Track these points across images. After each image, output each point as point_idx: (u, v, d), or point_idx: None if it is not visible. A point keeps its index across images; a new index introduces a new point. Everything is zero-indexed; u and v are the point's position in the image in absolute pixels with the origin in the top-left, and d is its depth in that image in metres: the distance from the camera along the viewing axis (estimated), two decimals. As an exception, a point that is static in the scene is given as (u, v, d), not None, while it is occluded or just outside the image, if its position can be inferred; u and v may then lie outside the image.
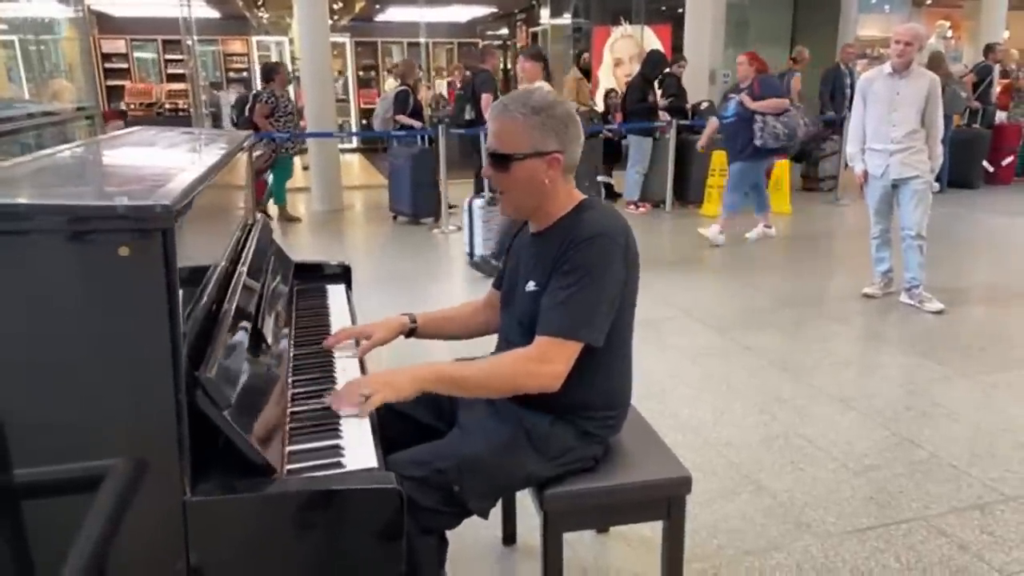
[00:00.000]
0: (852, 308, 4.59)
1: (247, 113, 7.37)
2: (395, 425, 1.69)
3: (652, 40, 10.26)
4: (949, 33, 14.27)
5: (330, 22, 10.31)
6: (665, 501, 1.72)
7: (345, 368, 1.70)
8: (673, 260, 6.09)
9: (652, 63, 7.67)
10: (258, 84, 12.78)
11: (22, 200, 1.03)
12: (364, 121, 13.70)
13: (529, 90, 1.61)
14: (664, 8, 11.29)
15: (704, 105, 8.15)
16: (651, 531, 1.84)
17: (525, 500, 1.84)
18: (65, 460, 1.02)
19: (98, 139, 1.91)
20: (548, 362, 1.55)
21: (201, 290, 1.28)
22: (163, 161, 1.52)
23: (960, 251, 6.02)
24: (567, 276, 1.55)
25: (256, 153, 7.06)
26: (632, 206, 7.69)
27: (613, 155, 8.33)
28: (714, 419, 3.11)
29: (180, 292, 0.99)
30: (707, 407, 3.23)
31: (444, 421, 1.76)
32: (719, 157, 7.37)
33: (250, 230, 2.02)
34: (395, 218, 7.51)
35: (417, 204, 7.24)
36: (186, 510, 1.04)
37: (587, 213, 1.63)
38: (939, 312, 4.38)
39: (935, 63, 7.90)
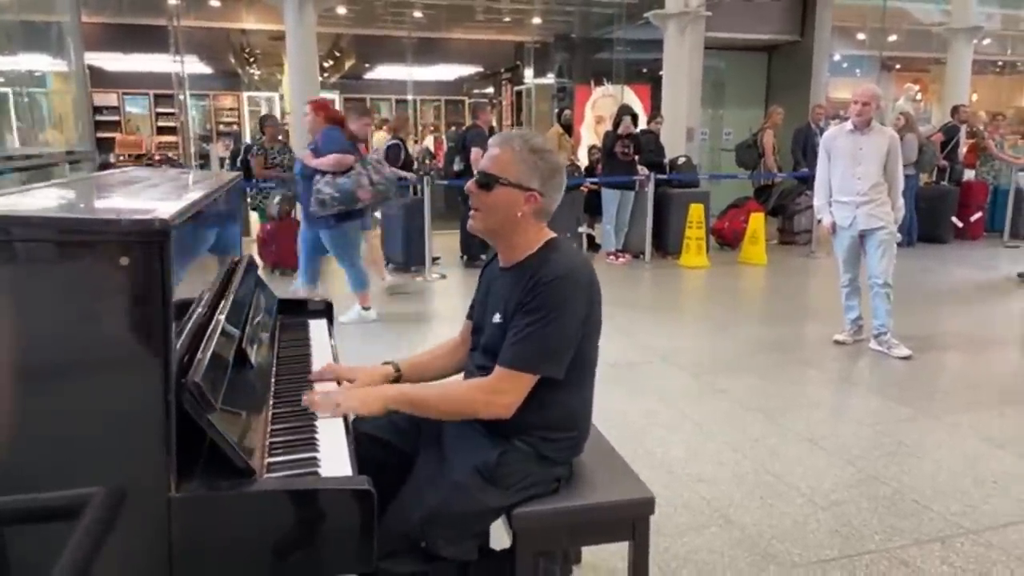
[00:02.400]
0: (823, 354, 4.71)
1: (239, 165, 7.59)
2: (373, 449, 1.78)
3: (632, 99, 10.62)
4: (918, 96, 14.86)
5: (320, 79, 10.63)
6: (630, 522, 1.79)
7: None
8: (651, 308, 6.22)
9: (618, 116, 7.90)
10: (248, 137, 13.05)
11: (35, 213, 1.13)
12: (352, 174, 13.91)
13: (533, 134, 1.77)
14: (645, 70, 11.73)
15: (681, 160, 8.43)
16: (622, 562, 1.90)
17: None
18: (58, 454, 1.10)
19: (109, 173, 2.03)
20: (502, 393, 1.66)
21: (192, 308, 1.38)
22: (161, 190, 1.63)
23: (929, 301, 6.20)
24: (530, 313, 1.65)
25: (275, 200, 7.24)
26: (611, 256, 7.86)
27: (595, 208, 8.54)
28: (687, 457, 3.19)
29: (173, 301, 1.09)
30: (680, 446, 3.30)
31: (413, 443, 1.85)
32: (696, 209, 7.61)
33: (237, 264, 2.12)
34: (387, 265, 7.63)
35: (409, 252, 7.38)
36: (170, 506, 1.11)
37: (553, 254, 1.74)
38: (906, 358, 4.51)
39: (909, 126, 8.26)
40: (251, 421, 1.41)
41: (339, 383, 1.88)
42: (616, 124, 7.71)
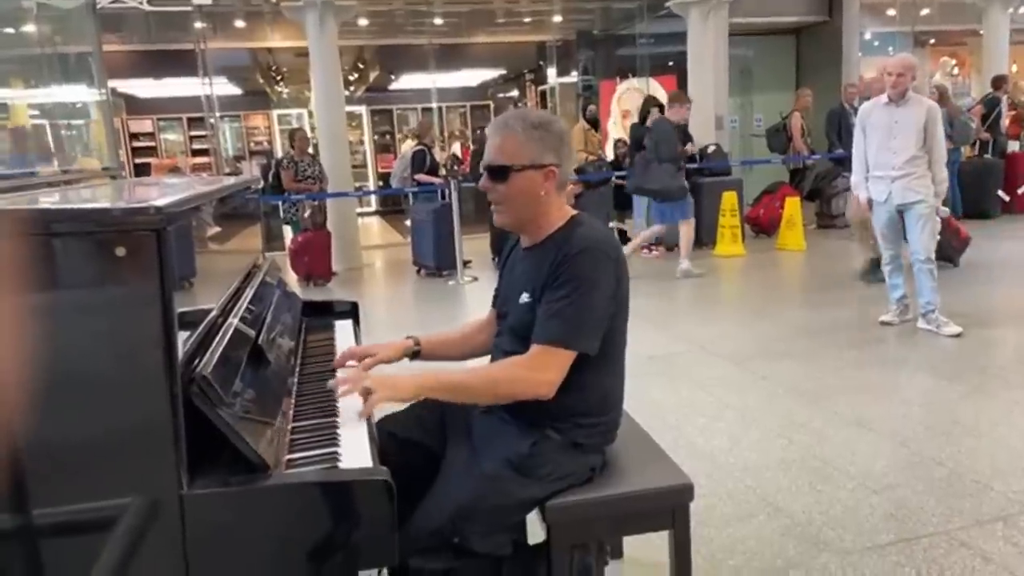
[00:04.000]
0: (869, 335, 4.55)
1: (271, 180, 7.67)
2: (399, 447, 1.74)
3: (658, 91, 10.48)
4: (955, 70, 14.41)
5: (347, 93, 10.70)
6: (669, 510, 1.72)
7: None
8: (688, 298, 6.10)
9: (644, 108, 7.82)
10: (279, 153, 13.24)
11: (27, 206, 1.11)
12: (381, 183, 14.06)
13: (527, 109, 1.71)
14: (671, 62, 11.56)
15: (711, 148, 8.28)
16: (667, 555, 1.82)
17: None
18: (62, 454, 1.07)
19: (123, 181, 2.03)
20: (542, 370, 1.59)
21: (209, 306, 1.35)
22: (169, 188, 1.61)
23: (978, 277, 5.96)
24: (561, 288, 1.60)
25: (306, 213, 7.36)
26: (645, 250, 7.75)
27: (626, 202, 8.44)
28: (730, 446, 3.09)
29: (174, 292, 1.05)
30: (723, 435, 3.20)
31: (441, 441, 1.80)
32: (729, 197, 7.46)
33: (258, 266, 2.10)
34: (419, 271, 7.65)
35: (440, 257, 7.36)
36: (183, 504, 1.08)
37: (579, 228, 1.69)
38: (957, 335, 4.33)
39: (941, 99, 7.99)
40: (269, 417, 1.38)
41: (360, 360, 1.84)
42: (643, 117, 7.60)
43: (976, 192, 8.58)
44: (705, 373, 4.03)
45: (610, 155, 8.94)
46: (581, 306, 1.59)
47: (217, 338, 1.36)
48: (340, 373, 1.79)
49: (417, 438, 1.81)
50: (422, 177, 7.83)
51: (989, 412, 3.29)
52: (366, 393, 1.55)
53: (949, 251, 6.21)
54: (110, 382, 1.07)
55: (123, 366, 1.07)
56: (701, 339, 4.63)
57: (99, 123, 6.05)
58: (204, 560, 1.10)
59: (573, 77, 13.13)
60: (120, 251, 1.00)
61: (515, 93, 15.73)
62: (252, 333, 1.54)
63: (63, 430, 1.07)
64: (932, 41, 14.25)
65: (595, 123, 8.77)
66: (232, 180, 1.93)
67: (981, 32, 11.61)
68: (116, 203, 1.04)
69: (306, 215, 7.44)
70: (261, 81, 14.74)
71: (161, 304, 1.04)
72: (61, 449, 1.08)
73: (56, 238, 1.02)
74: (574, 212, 1.75)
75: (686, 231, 6.63)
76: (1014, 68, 12.75)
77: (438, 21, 11.64)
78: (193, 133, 14.45)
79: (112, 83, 8.61)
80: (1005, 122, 9.38)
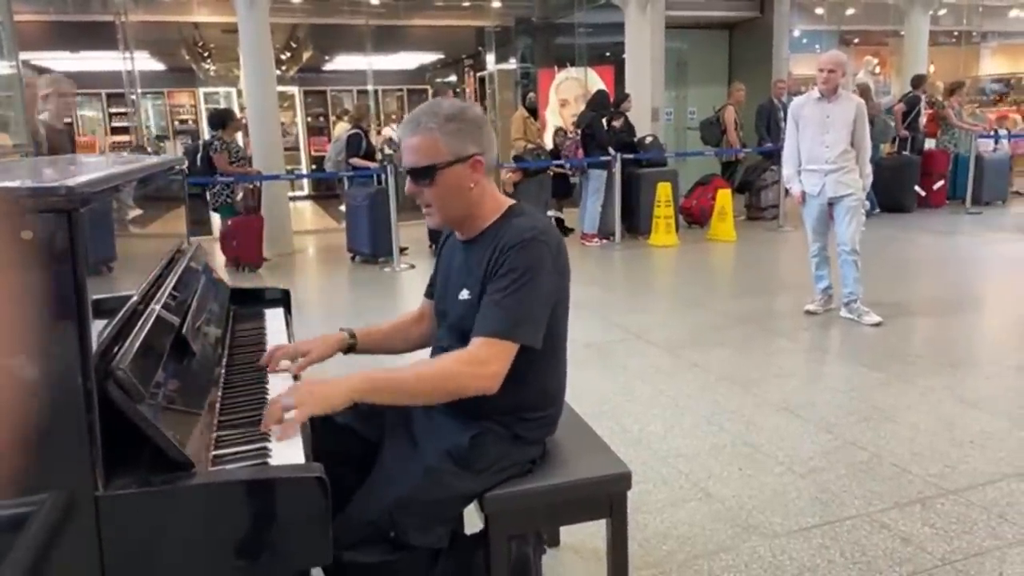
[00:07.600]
0: (795, 324, 4.70)
1: (199, 163, 7.33)
2: (334, 437, 1.68)
3: (596, 81, 10.55)
4: (877, 69, 14.98)
5: (278, 73, 10.36)
6: (607, 499, 1.72)
7: (278, 384, 1.68)
8: (623, 287, 6.18)
9: (600, 102, 8.02)
10: (206, 134, 12.73)
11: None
12: (315, 167, 13.72)
13: (436, 101, 1.62)
14: (608, 53, 11.63)
15: (649, 140, 8.38)
16: (603, 542, 1.84)
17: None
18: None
19: (36, 158, 1.90)
20: (485, 363, 1.52)
21: (128, 294, 1.27)
22: (85, 167, 1.51)
23: (896, 268, 6.23)
24: (501, 279, 1.55)
25: (239, 196, 7.10)
26: (584, 238, 7.80)
27: (564, 191, 8.48)
28: (663, 432, 3.14)
29: (87, 278, 0.98)
30: (657, 422, 3.25)
31: (378, 430, 1.75)
32: (664, 188, 7.57)
33: (182, 251, 2.00)
34: (353, 258, 7.49)
35: (376, 243, 7.20)
36: (98, 505, 1.01)
37: (516, 219, 1.65)
38: (877, 324, 4.51)
39: (864, 97, 8.29)
40: (194, 412, 1.31)
41: (293, 360, 1.78)
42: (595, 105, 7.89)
43: (894, 188, 8.96)
44: (640, 361, 4.08)
45: (549, 143, 8.93)
46: (522, 297, 1.54)
47: (137, 327, 1.28)
48: (272, 389, 1.67)
49: (353, 425, 1.75)
50: (357, 161, 7.66)
51: (906, 398, 3.43)
52: (293, 412, 1.40)
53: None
54: (17, 375, 0.99)
55: (32, 359, 0.98)
56: (636, 327, 4.69)
57: (10, 97, 5.69)
58: (122, 565, 1.03)
59: (512, 64, 13.07)
60: (27, 235, 0.92)
61: (453, 78, 15.57)
62: (175, 321, 1.46)
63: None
64: (856, 40, 14.78)
65: (534, 111, 8.74)
66: (155, 159, 1.83)
67: (902, 33, 12.10)
68: (24, 182, 0.95)
69: (239, 198, 7.18)
70: (187, 57, 14.15)
71: (73, 292, 0.96)
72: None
73: (-47, 219, 0.93)
74: (511, 202, 1.71)
75: None
76: (932, 68, 13.35)
77: (375, 1, 11.39)
78: (113, 110, 13.74)
79: (25, 55, 8.10)
80: (923, 120, 9.81)
